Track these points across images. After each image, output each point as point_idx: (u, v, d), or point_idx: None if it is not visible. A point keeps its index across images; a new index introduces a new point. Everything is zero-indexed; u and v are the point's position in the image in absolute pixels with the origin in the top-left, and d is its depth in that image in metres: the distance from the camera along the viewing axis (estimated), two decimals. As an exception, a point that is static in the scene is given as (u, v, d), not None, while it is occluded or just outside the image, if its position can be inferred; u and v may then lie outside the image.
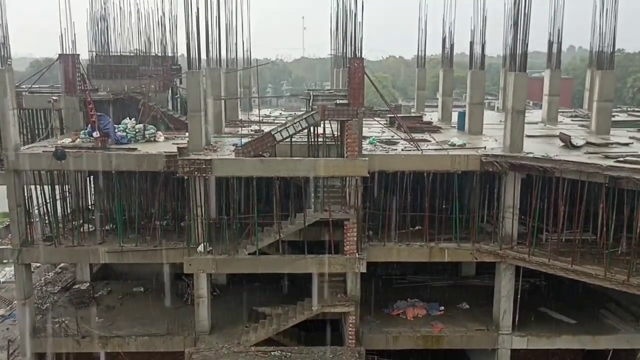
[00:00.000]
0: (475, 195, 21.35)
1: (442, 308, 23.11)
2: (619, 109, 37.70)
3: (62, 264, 28.02)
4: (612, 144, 22.84)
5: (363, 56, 21.50)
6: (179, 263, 20.96)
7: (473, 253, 21.25)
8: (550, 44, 30.62)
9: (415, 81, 36.03)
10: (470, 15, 25.89)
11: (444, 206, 21.82)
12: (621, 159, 19.24)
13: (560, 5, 29.11)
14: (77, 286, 24.84)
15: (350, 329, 20.71)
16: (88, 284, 24.90)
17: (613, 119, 27.66)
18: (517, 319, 21.32)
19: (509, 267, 20.97)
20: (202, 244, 20.32)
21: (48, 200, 22.04)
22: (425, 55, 33.70)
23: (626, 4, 27.71)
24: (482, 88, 26.77)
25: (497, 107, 37.80)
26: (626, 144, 22.84)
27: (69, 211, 23.37)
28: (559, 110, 32.32)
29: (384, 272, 25.54)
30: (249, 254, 20.36)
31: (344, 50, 27.41)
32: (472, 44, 26.66)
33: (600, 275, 18.70)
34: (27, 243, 21.33)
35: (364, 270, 20.58)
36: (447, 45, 30.36)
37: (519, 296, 21.07)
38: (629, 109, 40.29)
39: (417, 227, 21.89)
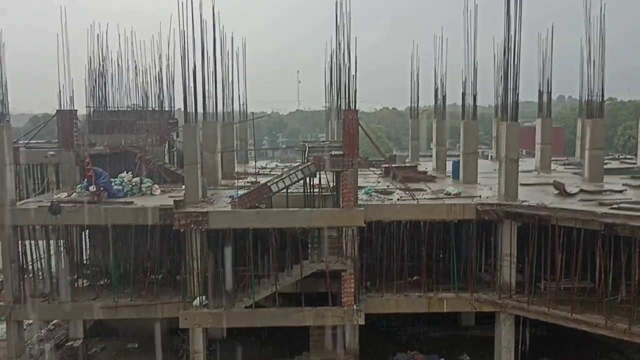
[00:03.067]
0: (472, 244, 21.31)
1: (443, 360, 22.69)
2: (611, 157, 38.12)
3: (55, 321, 27.51)
4: (605, 191, 23.01)
5: (357, 108, 21.88)
6: (174, 318, 20.65)
7: (472, 303, 21.04)
8: (541, 93, 31.31)
9: (409, 132, 36.49)
10: (462, 67, 26.55)
11: (441, 255, 21.73)
12: (615, 205, 19.35)
13: (548, 56, 29.96)
14: (70, 343, 24.35)
15: (349, 383, 20.26)
16: (81, 341, 24.41)
17: (605, 166, 27.94)
18: (519, 370, 20.94)
19: (508, 317, 20.73)
20: (198, 298, 20.08)
21: (42, 256, 21.85)
22: (418, 106, 34.29)
23: (613, 55, 28.47)
24: (475, 137, 27.14)
25: (491, 156, 38.19)
26: (620, 191, 23.00)
27: (63, 267, 23.11)
28: (552, 159, 32.68)
29: (383, 323, 25.16)
30: (246, 307, 20.11)
31: (339, 103, 27.94)
32: (464, 94, 27.19)
33: (601, 324, 18.49)
34: (20, 300, 21.03)
35: (363, 322, 20.30)
36: (440, 96, 30.98)
37: (520, 347, 20.74)
38: (620, 156, 40.74)
39: (415, 277, 21.72)
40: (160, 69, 28.37)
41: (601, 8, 24.91)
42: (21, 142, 27.95)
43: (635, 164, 31.93)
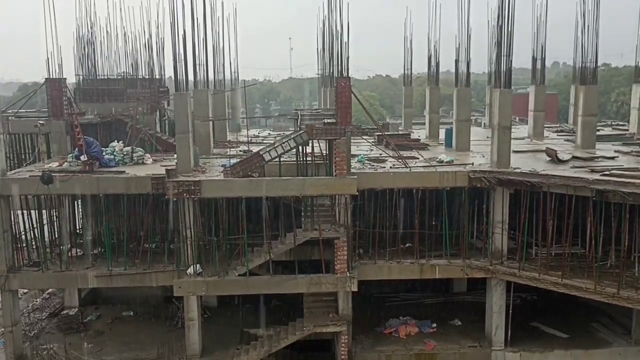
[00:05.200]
0: (465, 211, 21.43)
1: (435, 325, 23.01)
2: (603, 123, 38.14)
3: (50, 290, 27.67)
4: (597, 157, 23.08)
5: (350, 75, 21.69)
6: (168, 286, 20.79)
7: (464, 269, 21.26)
8: (534, 60, 31.08)
9: (402, 99, 36.31)
10: (455, 33, 26.27)
11: (433, 223, 21.86)
12: (607, 172, 19.43)
13: (542, 22, 29.67)
14: (65, 312, 24.50)
15: (342, 348, 20.55)
16: (77, 310, 24.58)
17: (598, 133, 27.97)
18: (509, 334, 21.28)
19: (499, 283, 20.99)
20: (192, 266, 20.18)
21: (35, 225, 21.83)
22: (411, 73, 34.01)
23: (608, 20, 28.22)
24: (468, 105, 27.02)
25: (484, 124, 38.11)
26: (612, 158, 23.07)
27: (56, 236, 23.14)
28: (545, 126, 32.66)
29: (376, 290, 25.44)
30: (239, 275, 20.24)
31: (331, 70, 27.68)
32: (457, 61, 26.96)
33: (591, 289, 18.76)
34: (14, 269, 21.08)
35: (356, 289, 20.50)
36: (433, 63, 30.68)
37: (510, 312, 21.06)
38: (613, 122, 40.77)
39: (407, 245, 21.89)
40: (150, 36, 27.97)
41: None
42: (10, 111, 27.64)
43: (627, 130, 31.95)
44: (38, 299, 27.56)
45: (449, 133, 27.28)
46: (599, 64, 26.67)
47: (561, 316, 23.42)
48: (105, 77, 29.02)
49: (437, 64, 30.65)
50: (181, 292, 20.21)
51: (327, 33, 27.97)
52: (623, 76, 74.89)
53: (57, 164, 22.72)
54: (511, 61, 21.01)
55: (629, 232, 18.64)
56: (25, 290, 27.44)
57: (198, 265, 20.25)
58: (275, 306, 24.43)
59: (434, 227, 21.82)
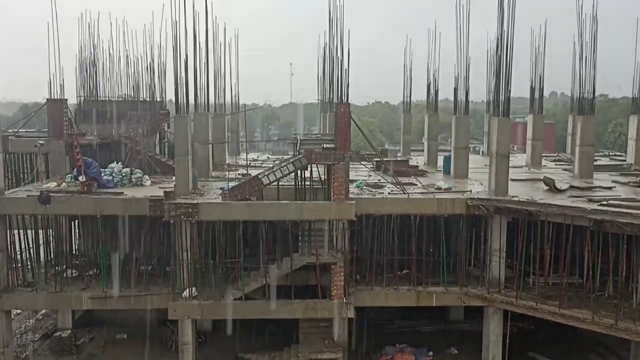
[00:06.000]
0: (462, 238, 21.40)
1: (431, 353, 22.80)
2: (601, 153, 38.32)
3: (43, 311, 27.40)
4: (595, 187, 23.15)
5: (349, 101, 21.86)
6: (163, 309, 20.62)
7: (461, 297, 21.15)
8: (532, 89, 31.39)
9: (401, 126, 36.52)
10: (454, 62, 26.56)
11: (431, 250, 21.82)
12: (605, 202, 19.47)
13: (541, 52, 30.03)
14: (58, 333, 24.24)
15: (337, 375, 20.32)
16: (70, 332, 24.31)
17: (595, 163, 28.11)
18: (506, 364, 21.10)
19: (497, 312, 20.86)
20: (188, 289, 20.05)
21: (31, 245, 21.73)
22: (410, 100, 34.27)
23: (606, 52, 28.60)
24: (467, 133, 27.18)
25: (482, 151, 38.30)
26: (609, 188, 23.15)
27: (52, 256, 23.02)
28: (543, 155, 32.81)
29: (372, 316, 25.24)
30: (235, 299, 20.11)
31: (331, 96, 27.91)
32: (456, 89, 27.21)
33: (588, 319, 18.65)
34: (8, 289, 20.92)
35: (352, 316, 20.37)
36: (432, 91, 30.96)
37: (507, 341, 20.89)
38: (610, 153, 40.97)
39: (404, 271, 21.80)
40: (152, 59, 28.20)
41: (593, 5, 25.01)
42: (10, 130, 27.73)
43: (624, 161, 32.10)
44: (31, 320, 27.29)
45: (447, 160, 27.39)
46: (597, 94, 26.91)
47: (558, 346, 23.21)
48: (107, 98, 29.19)
49: (436, 92, 30.94)
50: (176, 315, 20.05)
51: (328, 59, 28.28)
52: (620, 107, 75.48)
53: (55, 184, 22.72)
54: (510, 90, 21.22)
55: (627, 262, 18.62)
56: (19, 311, 27.18)
57: (194, 288, 20.12)
58: (270, 331, 24.18)
59: (432, 254, 21.78)
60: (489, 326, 21.10)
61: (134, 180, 23.60)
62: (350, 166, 21.83)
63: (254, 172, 22.94)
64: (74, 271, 22.64)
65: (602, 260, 19.26)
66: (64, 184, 22.70)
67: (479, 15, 26.41)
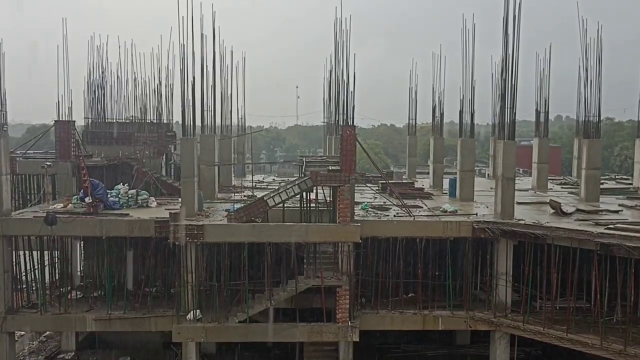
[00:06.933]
0: (468, 261, 21.26)
1: (437, 379, 22.54)
2: (607, 177, 38.20)
3: (47, 332, 27.27)
4: (602, 211, 23.03)
5: (355, 124, 21.96)
6: (167, 331, 20.50)
7: (467, 321, 20.94)
8: (538, 113, 31.45)
9: (406, 148, 36.56)
10: (459, 85, 26.70)
11: (437, 273, 21.67)
12: (611, 226, 19.35)
13: (546, 76, 30.14)
14: (61, 355, 24.10)
15: (342, 401, 20.09)
16: (73, 353, 24.17)
17: (602, 186, 28.00)
18: (513, 390, 20.81)
19: (503, 336, 20.63)
20: (192, 312, 19.95)
21: (36, 267, 21.73)
22: (415, 123, 34.42)
23: (612, 77, 28.69)
24: (472, 155, 27.20)
25: (488, 174, 38.25)
26: (616, 211, 23.03)
27: (56, 277, 22.99)
28: (549, 178, 32.73)
29: (378, 340, 24.98)
30: (239, 321, 19.98)
31: (337, 118, 28.01)
32: (461, 112, 27.31)
33: (597, 345, 18.40)
34: (12, 310, 20.87)
35: (357, 339, 20.18)
36: (437, 114, 31.06)
37: (514, 366, 20.64)
38: (617, 176, 40.82)
39: (410, 294, 21.64)
40: (160, 82, 28.49)
41: (598, 30, 25.16)
42: (18, 152, 27.94)
43: (631, 184, 31.95)
44: (35, 342, 27.14)
45: (452, 183, 27.36)
46: (602, 117, 26.91)
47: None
48: (114, 120, 29.41)
49: (442, 115, 31.04)
50: (180, 337, 19.93)
51: (334, 83, 28.47)
52: (626, 130, 75.43)
53: (61, 205, 22.80)
54: (515, 113, 21.27)
55: (635, 287, 18.43)
56: (23, 333, 27.05)
57: (198, 310, 20.03)
58: (275, 355, 23.96)
59: (437, 278, 21.63)
60: (496, 351, 20.85)
61: (139, 201, 23.65)
62: (356, 188, 21.84)
63: (259, 194, 22.97)
64: (78, 292, 22.60)
65: (609, 285, 19.08)
66: (70, 205, 22.79)
67: (484, 39, 26.63)
